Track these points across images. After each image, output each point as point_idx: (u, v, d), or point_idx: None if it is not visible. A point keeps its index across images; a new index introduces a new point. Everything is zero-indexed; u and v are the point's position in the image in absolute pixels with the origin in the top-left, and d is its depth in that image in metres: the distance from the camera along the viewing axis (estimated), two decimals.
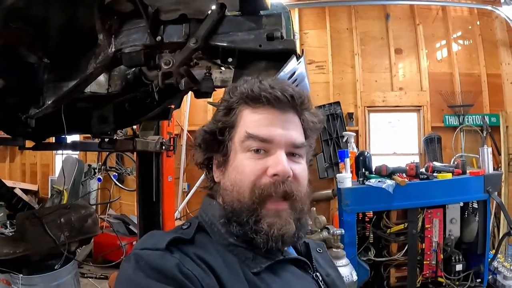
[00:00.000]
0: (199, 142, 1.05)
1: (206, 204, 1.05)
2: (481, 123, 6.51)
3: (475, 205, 4.05)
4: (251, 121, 0.96)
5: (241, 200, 0.93)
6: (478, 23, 6.89)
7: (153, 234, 0.96)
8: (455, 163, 4.16)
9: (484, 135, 6.44)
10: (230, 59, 1.74)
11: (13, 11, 1.86)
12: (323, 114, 1.09)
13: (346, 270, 3.21)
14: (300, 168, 0.98)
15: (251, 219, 0.91)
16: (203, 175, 1.12)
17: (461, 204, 3.96)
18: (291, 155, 0.97)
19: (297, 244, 1.08)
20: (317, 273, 1.04)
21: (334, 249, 3.31)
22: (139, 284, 0.77)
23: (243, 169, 0.94)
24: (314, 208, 3.71)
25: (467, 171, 4.06)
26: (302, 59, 1.88)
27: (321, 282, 1.02)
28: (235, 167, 0.96)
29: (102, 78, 2.35)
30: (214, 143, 1.01)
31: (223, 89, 2.22)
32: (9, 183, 8.01)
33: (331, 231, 3.39)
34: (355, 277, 3.25)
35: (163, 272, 0.78)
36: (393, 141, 6.95)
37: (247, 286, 0.85)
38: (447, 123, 6.71)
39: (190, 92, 3.53)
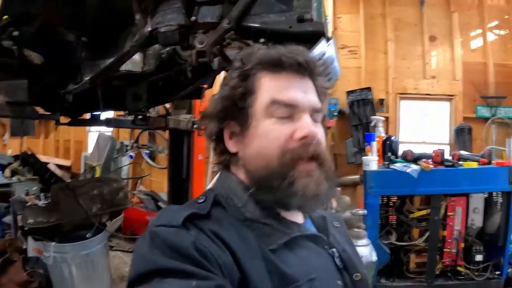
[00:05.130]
0: (216, 110, 1.00)
1: (222, 177, 1.02)
2: None
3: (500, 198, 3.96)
4: (274, 87, 0.94)
5: (269, 165, 0.90)
6: None
7: (169, 209, 0.95)
8: (482, 153, 4.11)
9: None
10: (261, 40, 1.79)
11: None
12: (331, 80, 1.10)
13: (366, 250, 3.24)
14: (321, 132, 0.97)
15: (284, 182, 0.88)
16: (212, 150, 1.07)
17: (486, 194, 3.90)
18: (312, 119, 0.95)
19: (327, 205, 1.06)
20: (333, 249, 1.01)
21: (355, 229, 3.34)
22: (154, 262, 0.75)
23: (269, 134, 0.91)
24: (339, 189, 3.75)
25: (493, 162, 3.99)
26: (331, 42, 1.92)
27: (337, 258, 1.00)
28: (260, 134, 0.93)
29: (137, 57, 2.43)
30: (233, 110, 0.97)
31: None
32: (43, 158, 8.29)
33: (354, 211, 3.43)
34: (374, 258, 3.28)
35: (179, 250, 0.76)
36: (423, 129, 6.91)
37: (263, 263, 0.84)
38: (479, 114, 6.60)
39: (222, 73, 3.62)
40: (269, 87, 0.94)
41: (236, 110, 0.97)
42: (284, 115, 0.92)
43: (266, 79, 0.95)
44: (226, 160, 1.02)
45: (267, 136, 0.92)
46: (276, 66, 0.94)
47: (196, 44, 1.77)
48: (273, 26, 1.72)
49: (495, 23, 6.82)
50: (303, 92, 0.95)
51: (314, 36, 1.73)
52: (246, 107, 0.95)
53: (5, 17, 2.02)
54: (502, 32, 6.84)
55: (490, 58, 6.67)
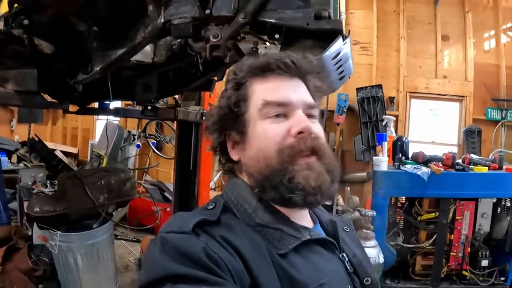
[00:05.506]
0: (215, 121, 1.04)
1: (231, 183, 1.04)
2: None
3: (508, 204, 3.97)
4: (265, 89, 0.98)
5: (269, 164, 0.92)
6: None
7: (179, 216, 0.95)
8: (493, 157, 4.09)
9: None
10: (277, 36, 1.75)
11: None
12: (328, 80, 1.12)
13: (374, 252, 3.25)
14: (318, 127, 0.99)
15: (284, 178, 0.90)
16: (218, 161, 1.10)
17: (494, 199, 3.89)
18: (307, 116, 0.97)
19: (333, 197, 1.07)
20: (344, 254, 1.02)
21: (364, 230, 3.35)
22: (165, 268, 0.76)
23: (266, 134, 0.94)
24: (348, 188, 3.74)
25: (504, 167, 3.98)
26: (348, 40, 1.88)
27: (347, 263, 1.01)
28: (257, 135, 0.96)
29: (147, 47, 2.41)
30: (230, 119, 1.01)
31: None
32: (50, 145, 8.33)
33: (363, 212, 3.43)
34: (381, 259, 3.29)
35: (189, 256, 0.77)
36: (432, 129, 6.86)
37: (273, 268, 0.84)
38: (489, 117, 6.54)
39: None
40: (260, 91, 0.99)
41: (233, 119, 1.01)
42: (278, 114, 0.96)
43: (256, 84, 1.00)
44: (230, 167, 1.06)
45: (264, 136, 0.95)
46: (263, 70, 0.99)
47: (211, 38, 1.74)
48: (290, 22, 1.68)
49: (510, 24, 6.73)
50: (293, 91, 0.98)
51: (331, 34, 1.70)
52: (242, 114, 0.99)
53: (15, 5, 1.99)
54: None
55: (503, 60, 6.60)
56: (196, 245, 0.80)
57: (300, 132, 0.93)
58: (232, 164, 1.04)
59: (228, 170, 1.06)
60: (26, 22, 2.03)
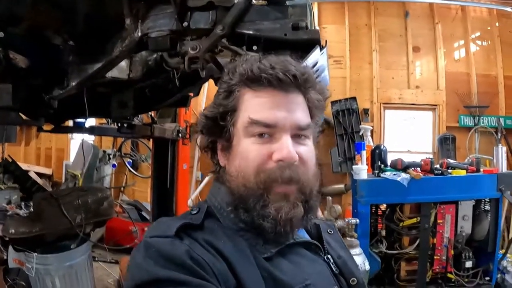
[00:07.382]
0: (201, 128, 1.02)
1: (215, 189, 1.03)
2: (496, 125, 6.46)
3: (487, 205, 4.05)
4: (254, 105, 0.92)
5: (246, 185, 0.90)
6: (497, 24, 6.83)
7: (162, 221, 0.95)
8: (470, 160, 4.16)
9: (499, 137, 6.37)
10: (255, 47, 1.76)
11: None
12: (328, 89, 1.03)
13: (359, 259, 3.23)
14: (307, 149, 0.94)
15: (258, 204, 0.89)
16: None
17: (474, 201, 3.96)
18: (296, 137, 0.93)
19: (307, 226, 1.05)
20: (328, 256, 1.03)
21: (348, 238, 3.34)
22: (149, 272, 0.76)
23: (247, 154, 0.91)
24: (330, 198, 3.73)
25: (481, 169, 4.06)
26: (324, 50, 1.90)
27: (332, 264, 1.02)
28: (239, 153, 0.93)
29: (123, 63, 2.38)
30: (216, 128, 0.97)
31: None
32: (24, 166, 8.11)
33: (346, 220, 3.43)
34: (367, 267, 3.28)
35: (173, 259, 0.77)
36: (407, 138, 6.96)
37: (258, 270, 0.84)
38: (462, 123, 6.68)
39: (207, 82, 3.56)
40: (249, 106, 0.93)
41: (218, 129, 0.97)
42: (264, 134, 0.91)
43: (248, 96, 0.94)
44: (217, 171, 1.03)
45: (245, 156, 0.92)
46: (256, 82, 0.92)
47: (189, 50, 1.73)
48: (268, 33, 1.70)
49: (478, 34, 6.92)
50: (285, 110, 0.91)
51: (309, 44, 1.71)
52: (228, 126, 0.95)
53: None
54: (484, 43, 6.95)
55: (473, 68, 6.77)
56: (179, 248, 0.80)
57: (280, 160, 0.89)
58: (219, 168, 1.02)
59: (217, 172, 1.03)
60: (1, 34, 1.99)
